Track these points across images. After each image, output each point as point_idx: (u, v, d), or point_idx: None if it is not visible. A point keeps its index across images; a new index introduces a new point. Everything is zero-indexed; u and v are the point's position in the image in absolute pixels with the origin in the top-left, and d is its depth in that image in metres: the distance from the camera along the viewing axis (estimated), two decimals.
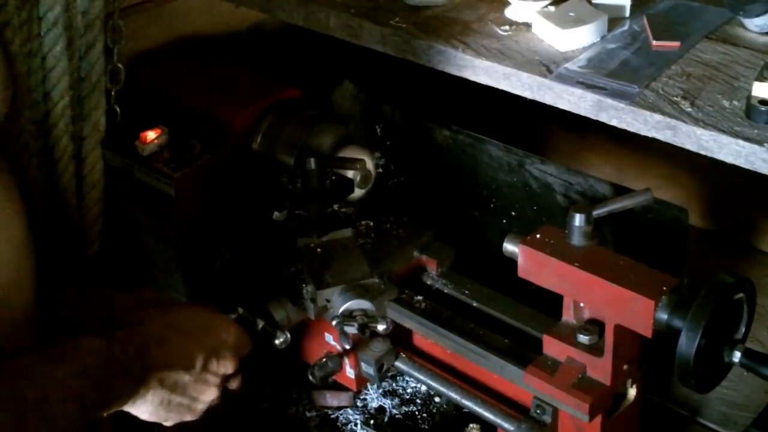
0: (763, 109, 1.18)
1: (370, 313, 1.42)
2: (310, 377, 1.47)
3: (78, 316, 1.30)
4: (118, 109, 1.63)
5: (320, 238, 1.52)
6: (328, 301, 1.44)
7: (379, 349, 1.45)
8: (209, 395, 1.23)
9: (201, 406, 1.23)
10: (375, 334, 1.43)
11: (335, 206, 1.57)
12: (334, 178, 1.53)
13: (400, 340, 1.48)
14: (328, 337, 1.51)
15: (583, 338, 1.25)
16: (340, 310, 1.42)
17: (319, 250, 1.51)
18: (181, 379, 1.18)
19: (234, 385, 1.30)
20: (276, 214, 1.49)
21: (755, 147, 1.15)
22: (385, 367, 1.46)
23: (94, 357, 1.10)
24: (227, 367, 1.24)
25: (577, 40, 1.39)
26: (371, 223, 1.58)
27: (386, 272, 1.48)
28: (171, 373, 1.17)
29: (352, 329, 1.41)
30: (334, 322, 1.41)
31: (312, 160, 1.49)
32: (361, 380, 1.51)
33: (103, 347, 1.11)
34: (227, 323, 1.28)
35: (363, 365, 1.46)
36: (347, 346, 1.43)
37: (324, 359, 1.48)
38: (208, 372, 1.21)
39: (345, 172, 1.55)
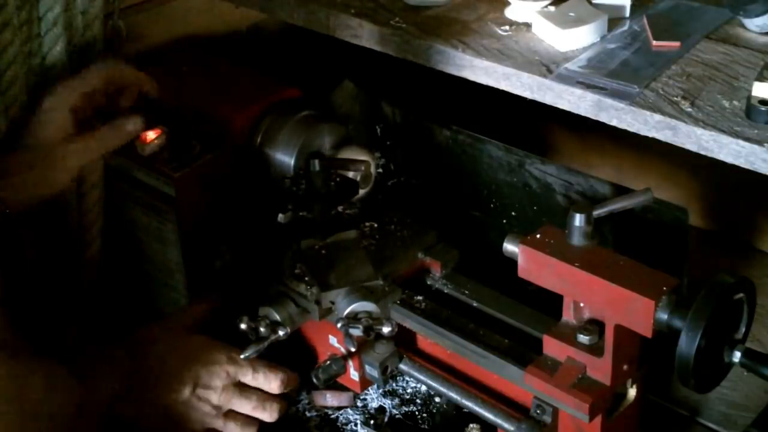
0: (763, 109, 1.18)
1: (375, 315, 1.42)
2: (314, 380, 1.47)
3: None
4: None
5: (324, 239, 1.52)
6: (332, 303, 1.44)
7: (383, 351, 1.45)
8: (197, 419, 1.37)
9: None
10: (380, 336, 1.43)
11: (339, 208, 1.57)
12: (338, 179, 1.52)
13: (402, 341, 1.48)
14: (332, 340, 1.50)
15: (583, 338, 1.25)
16: (345, 312, 1.42)
17: (323, 251, 1.51)
18: (171, 401, 1.35)
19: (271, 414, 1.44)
20: (280, 216, 1.49)
21: (755, 147, 1.15)
22: (389, 370, 1.45)
23: (109, 386, 1.30)
24: (214, 395, 1.38)
25: (577, 40, 1.39)
26: (375, 225, 1.57)
27: (390, 274, 1.48)
28: (161, 398, 1.34)
29: (356, 331, 1.40)
30: (339, 325, 1.41)
31: (316, 161, 1.49)
32: (365, 382, 1.51)
33: (115, 379, 1.31)
34: (220, 353, 1.41)
35: (367, 367, 1.45)
36: (353, 349, 1.43)
37: (328, 362, 1.47)
38: (195, 398, 1.37)
39: (347, 173, 1.55)
